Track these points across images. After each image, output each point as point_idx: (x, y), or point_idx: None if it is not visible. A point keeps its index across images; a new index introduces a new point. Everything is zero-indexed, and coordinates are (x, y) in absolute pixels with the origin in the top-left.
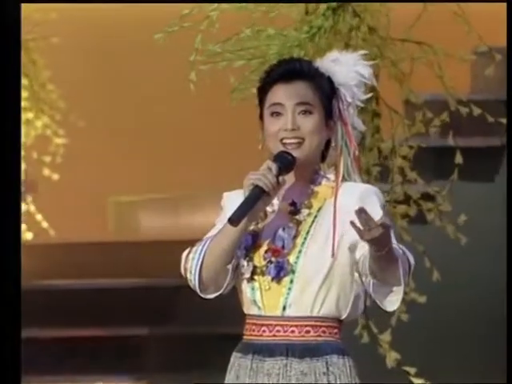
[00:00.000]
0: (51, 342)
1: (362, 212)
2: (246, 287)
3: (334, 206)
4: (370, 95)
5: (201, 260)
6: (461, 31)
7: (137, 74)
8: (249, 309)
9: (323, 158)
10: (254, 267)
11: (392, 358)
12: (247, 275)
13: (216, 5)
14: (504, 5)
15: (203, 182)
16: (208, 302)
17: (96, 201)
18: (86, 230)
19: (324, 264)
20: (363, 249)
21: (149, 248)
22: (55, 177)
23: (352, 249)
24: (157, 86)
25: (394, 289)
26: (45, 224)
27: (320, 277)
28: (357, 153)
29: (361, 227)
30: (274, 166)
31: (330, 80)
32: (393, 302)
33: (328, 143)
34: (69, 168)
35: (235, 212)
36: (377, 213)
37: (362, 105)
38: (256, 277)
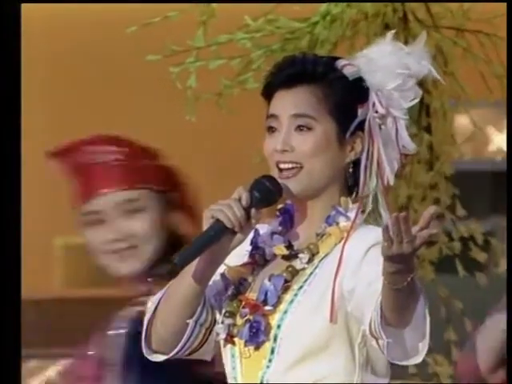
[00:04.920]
0: None
1: (404, 220)
2: (224, 352)
3: (341, 254)
4: (415, 101)
5: (152, 312)
6: None
7: (102, 98)
8: (231, 382)
9: (353, 188)
10: (231, 326)
11: None
12: (222, 335)
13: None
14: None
15: None
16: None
17: (39, 243)
18: (25, 283)
19: (315, 331)
20: (370, 307)
21: (109, 306)
22: None
23: (357, 312)
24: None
25: (416, 335)
26: None
27: (310, 348)
28: (389, 179)
29: (393, 238)
30: (244, 196)
31: (357, 82)
32: (423, 350)
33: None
34: None
35: (180, 252)
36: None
37: (404, 117)
38: (236, 339)
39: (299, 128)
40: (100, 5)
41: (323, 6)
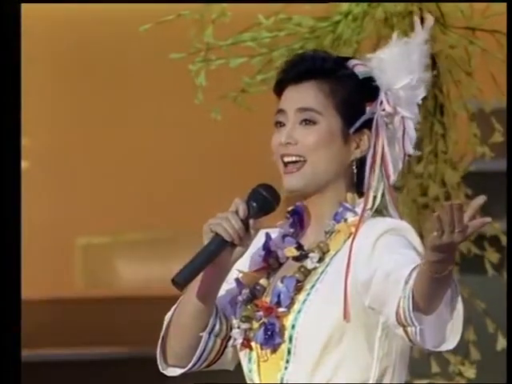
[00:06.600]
0: None
1: (458, 209)
2: (242, 357)
3: (350, 250)
4: (421, 96)
5: (165, 328)
6: None
7: (114, 94)
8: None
9: (360, 185)
10: (247, 330)
11: None
12: (239, 340)
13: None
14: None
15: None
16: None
17: (60, 243)
18: (46, 282)
19: (330, 328)
20: (395, 296)
21: (129, 306)
22: None
23: (376, 303)
24: (134, 107)
25: (448, 319)
26: None
27: (325, 346)
28: (392, 178)
29: (445, 227)
30: (241, 207)
31: (367, 81)
32: (453, 337)
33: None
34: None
35: (182, 270)
36: (408, 254)
37: (412, 116)
38: (253, 344)
39: (304, 122)
40: (100, 4)
41: (344, 6)
